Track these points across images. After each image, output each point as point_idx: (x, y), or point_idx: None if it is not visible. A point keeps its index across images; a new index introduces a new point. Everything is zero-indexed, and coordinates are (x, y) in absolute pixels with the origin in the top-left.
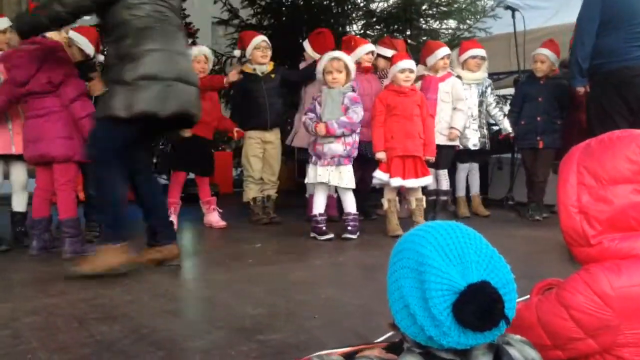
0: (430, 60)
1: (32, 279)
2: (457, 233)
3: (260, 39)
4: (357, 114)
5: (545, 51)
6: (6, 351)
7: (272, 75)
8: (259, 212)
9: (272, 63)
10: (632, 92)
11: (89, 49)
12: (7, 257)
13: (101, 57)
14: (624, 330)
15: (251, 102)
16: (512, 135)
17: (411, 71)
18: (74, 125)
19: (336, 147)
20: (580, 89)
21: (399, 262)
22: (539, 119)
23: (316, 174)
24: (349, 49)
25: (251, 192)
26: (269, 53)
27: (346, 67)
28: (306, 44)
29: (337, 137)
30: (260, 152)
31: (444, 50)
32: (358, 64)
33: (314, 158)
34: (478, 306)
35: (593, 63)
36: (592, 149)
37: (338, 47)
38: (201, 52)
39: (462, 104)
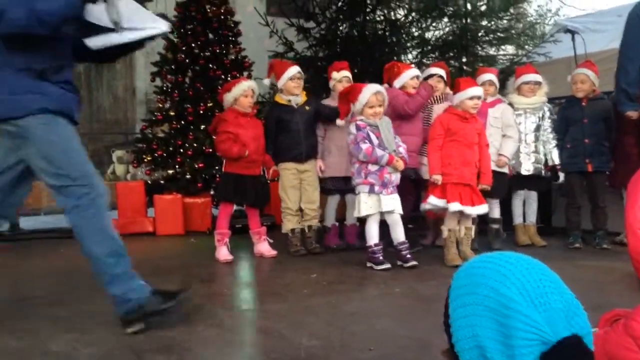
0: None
1: (94, 311)
2: (539, 274)
3: (295, 70)
4: (403, 145)
5: (585, 71)
6: None
7: (307, 107)
8: (297, 244)
9: (304, 93)
10: None
11: None
12: (69, 287)
13: None
14: None
15: (286, 134)
16: (558, 167)
17: (479, 98)
18: None
19: (398, 176)
20: (632, 113)
21: (472, 297)
22: (586, 141)
23: (380, 203)
24: (393, 75)
25: (289, 223)
26: (302, 84)
27: (384, 100)
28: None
29: None
30: (297, 182)
31: (486, 76)
32: (403, 88)
33: (377, 187)
34: None
35: None
36: None
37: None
38: (250, 87)
39: (512, 131)
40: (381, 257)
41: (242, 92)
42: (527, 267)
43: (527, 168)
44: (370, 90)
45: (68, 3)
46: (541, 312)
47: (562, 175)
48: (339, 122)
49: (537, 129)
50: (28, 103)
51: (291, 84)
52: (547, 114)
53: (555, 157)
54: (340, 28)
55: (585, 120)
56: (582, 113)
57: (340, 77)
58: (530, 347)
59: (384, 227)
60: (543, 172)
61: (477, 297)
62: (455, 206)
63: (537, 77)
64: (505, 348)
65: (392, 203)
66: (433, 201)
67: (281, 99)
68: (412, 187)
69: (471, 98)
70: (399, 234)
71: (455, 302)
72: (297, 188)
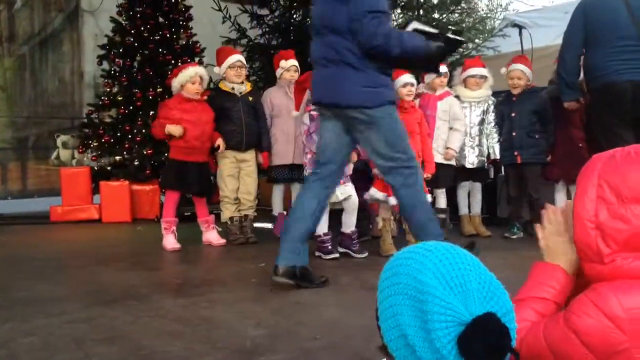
0: (427, 78)
1: (36, 299)
2: (457, 258)
3: (235, 58)
4: None
5: (521, 67)
6: None
7: (250, 98)
8: (237, 232)
9: (249, 83)
10: (621, 107)
11: None
12: (9, 275)
13: None
14: (635, 354)
15: (228, 122)
16: (498, 160)
17: (412, 85)
18: None
19: (350, 167)
20: (570, 105)
21: (394, 287)
22: (514, 134)
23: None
24: None
25: (227, 212)
26: (244, 72)
27: None
28: None
29: None
30: (236, 171)
31: (442, 68)
32: None
33: None
34: (486, 342)
35: (586, 80)
36: (617, 162)
37: None
38: (197, 73)
39: (459, 124)
40: (330, 247)
41: (188, 79)
42: (444, 252)
43: (471, 161)
44: None
45: (424, 54)
46: (457, 294)
47: (503, 168)
48: (294, 113)
49: (482, 122)
50: (382, 96)
51: (231, 72)
52: (492, 107)
53: (497, 151)
54: (294, 16)
55: (514, 114)
56: (512, 107)
57: (289, 65)
58: (447, 328)
59: (333, 217)
60: (486, 165)
61: (398, 287)
62: (394, 200)
63: (483, 71)
64: (425, 333)
65: (347, 190)
66: (374, 194)
67: (225, 86)
68: (362, 179)
69: (404, 85)
70: (352, 220)
71: (380, 295)
72: (235, 177)
